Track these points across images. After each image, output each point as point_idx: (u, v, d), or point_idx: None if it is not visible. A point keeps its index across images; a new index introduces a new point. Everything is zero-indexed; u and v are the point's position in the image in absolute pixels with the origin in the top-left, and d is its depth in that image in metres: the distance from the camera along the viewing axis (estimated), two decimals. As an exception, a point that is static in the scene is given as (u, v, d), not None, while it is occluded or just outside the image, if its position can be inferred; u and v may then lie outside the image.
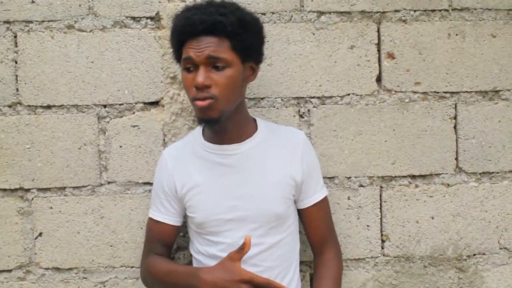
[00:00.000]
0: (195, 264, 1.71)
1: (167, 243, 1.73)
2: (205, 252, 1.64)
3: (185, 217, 1.73)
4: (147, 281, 1.73)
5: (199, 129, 1.71)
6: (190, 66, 1.50)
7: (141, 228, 1.87)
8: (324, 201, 1.71)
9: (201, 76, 1.46)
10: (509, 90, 1.90)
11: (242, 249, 1.45)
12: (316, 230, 1.71)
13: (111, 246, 1.88)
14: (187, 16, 1.50)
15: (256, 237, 1.57)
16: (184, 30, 1.50)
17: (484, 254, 1.91)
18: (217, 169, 1.61)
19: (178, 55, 1.58)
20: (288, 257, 1.66)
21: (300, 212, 1.70)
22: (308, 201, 1.68)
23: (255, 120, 1.69)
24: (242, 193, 1.58)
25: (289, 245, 1.66)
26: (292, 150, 1.65)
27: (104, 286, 1.90)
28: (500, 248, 1.91)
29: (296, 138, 1.68)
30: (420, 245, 1.90)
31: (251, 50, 1.53)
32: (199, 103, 1.48)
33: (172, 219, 1.69)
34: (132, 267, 1.89)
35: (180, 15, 1.55)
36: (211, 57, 1.47)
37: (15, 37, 1.86)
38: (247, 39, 1.50)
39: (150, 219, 1.73)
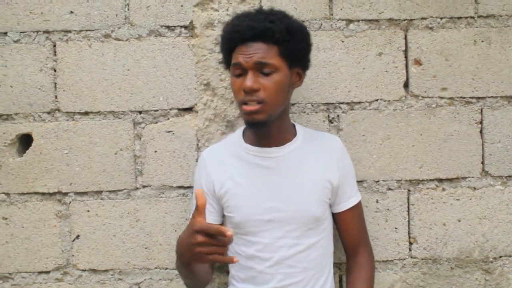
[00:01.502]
0: (231, 264, 1.75)
1: None
2: (242, 252, 1.68)
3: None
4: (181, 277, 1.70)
5: (239, 132, 1.76)
6: (239, 71, 1.56)
7: (175, 230, 1.92)
8: (359, 205, 1.76)
9: (249, 81, 1.51)
10: (534, 95, 1.94)
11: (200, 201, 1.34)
12: (351, 233, 1.76)
13: (146, 248, 1.94)
14: (236, 23, 1.56)
15: (293, 238, 1.63)
16: (234, 37, 1.55)
17: (510, 256, 1.95)
18: (257, 171, 1.65)
19: (227, 60, 1.63)
20: (323, 259, 1.70)
21: (335, 216, 1.75)
22: (344, 205, 1.73)
23: (294, 125, 1.74)
24: (281, 195, 1.63)
25: (324, 247, 1.71)
26: (329, 155, 1.70)
27: (139, 287, 1.95)
28: (526, 250, 1.95)
29: (333, 143, 1.73)
30: (447, 247, 1.94)
31: (298, 56, 1.58)
32: (247, 108, 1.54)
33: (211, 218, 1.73)
34: (166, 268, 1.95)
35: (230, 23, 1.61)
36: (260, 63, 1.52)
37: (54, 46, 1.93)
38: (294, 45, 1.55)
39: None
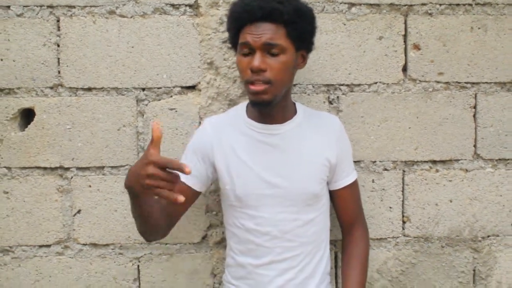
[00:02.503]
0: (229, 237, 1.79)
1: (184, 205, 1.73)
2: (241, 226, 1.72)
3: (218, 194, 1.82)
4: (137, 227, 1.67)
5: (242, 106, 1.78)
6: (246, 50, 1.58)
7: (176, 206, 1.95)
8: (355, 183, 1.82)
9: (257, 60, 1.54)
10: (526, 82, 2.01)
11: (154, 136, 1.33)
12: (347, 210, 1.82)
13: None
14: (246, 2, 1.57)
15: (292, 213, 1.68)
16: (243, 16, 1.57)
17: (497, 236, 2.04)
18: (260, 147, 1.69)
19: (234, 39, 1.65)
20: (321, 234, 1.76)
21: (332, 193, 1.81)
22: (341, 183, 1.78)
23: (294, 104, 1.78)
24: (281, 171, 1.67)
25: (322, 223, 1.76)
26: (328, 134, 1.74)
27: (139, 261, 1.99)
28: (513, 230, 2.04)
29: (332, 123, 1.78)
30: (438, 227, 2.02)
31: (304, 38, 1.62)
32: (254, 87, 1.56)
33: (195, 183, 1.72)
34: (166, 243, 1.98)
35: (238, 2, 1.62)
36: (268, 44, 1.55)
37: (58, 21, 1.93)
38: (301, 27, 1.58)
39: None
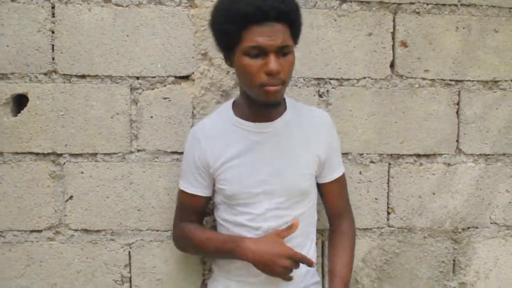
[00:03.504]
0: (220, 230, 1.82)
1: (200, 211, 1.86)
2: (233, 221, 1.75)
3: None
4: (183, 246, 1.87)
5: (226, 106, 1.78)
6: (255, 52, 1.51)
7: (168, 194, 1.99)
8: (343, 176, 1.86)
9: (275, 64, 1.50)
10: (506, 81, 2.10)
11: (290, 229, 1.67)
12: (334, 203, 1.87)
13: (138, 210, 2.00)
14: (251, 1, 1.47)
15: (282, 209, 1.72)
16: (251, 16, 1.48)
17: (477, 227, 2.12)
18: (249, 145, 1.70)
19: (231, 40, 1.54)
20: (308, 228, 1.81)
21: (320, 186, 1.85)
22: (329, 177, 1.82)
23: (284, 100, 1.78)
24: (271, 169, 1.70)
25: (310, 217, 1.82)
26: (317, 130, 1.76)
27: (131, 248, 2.01)
28: (491, 223, 2.13)
29: (322, 118, 1.80)
30: (421, 218, 2.09)
31: (299, 35, 1.63)
32: (273, 88, 1.54)
33: (205, 191, 1.80)
34: (158, 230, 2.01)
35: (239, 0, 1.49)
36: (284, 46, 1.51)
37: (53, 7, 1.94)
38: (300, 25, 1.60)
39: (183, 191, 1.82)
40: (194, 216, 1.85)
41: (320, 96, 2.03)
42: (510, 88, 2.10)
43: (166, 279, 2.02)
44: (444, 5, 2.06)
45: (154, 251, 2.02)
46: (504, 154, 2.12)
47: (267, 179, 1.70)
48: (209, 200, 1.84)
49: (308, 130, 1.75)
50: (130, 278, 2.02)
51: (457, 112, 2.08)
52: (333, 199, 1.87)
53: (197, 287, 2.05)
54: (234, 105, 1.77)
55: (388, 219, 2.09)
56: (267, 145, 1.70)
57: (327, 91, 2.04)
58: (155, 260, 2.02)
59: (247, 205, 1.73)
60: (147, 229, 2.01)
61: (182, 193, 1.83)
